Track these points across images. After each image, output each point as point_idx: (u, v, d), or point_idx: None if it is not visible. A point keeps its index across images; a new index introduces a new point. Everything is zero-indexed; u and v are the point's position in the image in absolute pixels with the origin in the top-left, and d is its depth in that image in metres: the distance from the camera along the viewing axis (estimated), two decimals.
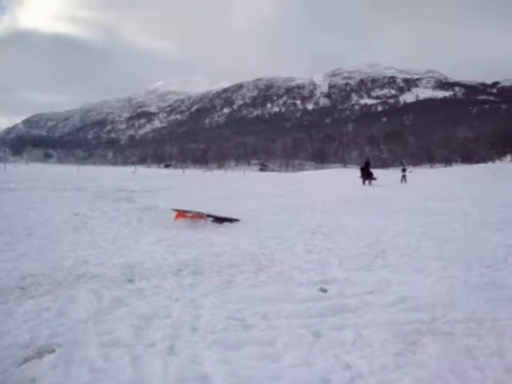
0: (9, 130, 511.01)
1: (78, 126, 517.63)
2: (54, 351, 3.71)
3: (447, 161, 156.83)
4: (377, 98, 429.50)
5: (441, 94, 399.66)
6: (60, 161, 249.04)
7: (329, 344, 3.95)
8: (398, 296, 5.23)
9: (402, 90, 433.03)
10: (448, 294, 5.38)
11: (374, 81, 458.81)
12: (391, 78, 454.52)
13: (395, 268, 6.78)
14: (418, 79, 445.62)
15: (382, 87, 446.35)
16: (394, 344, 3.94)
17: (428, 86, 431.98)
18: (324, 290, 5.49)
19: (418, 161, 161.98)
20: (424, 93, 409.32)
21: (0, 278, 5.70)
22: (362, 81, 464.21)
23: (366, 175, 36.08)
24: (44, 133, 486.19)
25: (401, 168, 49.27)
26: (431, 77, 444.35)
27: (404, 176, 44.64)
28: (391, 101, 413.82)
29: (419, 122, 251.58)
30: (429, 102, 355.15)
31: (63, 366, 3.48)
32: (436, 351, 3.81)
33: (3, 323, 4.26)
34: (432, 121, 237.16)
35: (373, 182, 35.40)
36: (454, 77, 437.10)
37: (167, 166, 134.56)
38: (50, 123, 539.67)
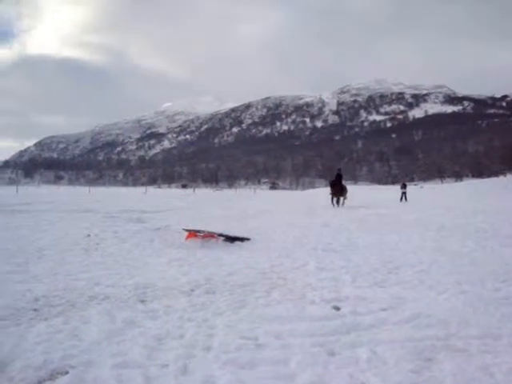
0: (21, 153, 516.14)
1: (88, 148, 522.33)
2: (67, 373, 3.70)
3: (458, 175, 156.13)
4: (385, 114, 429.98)
5: (450, 108, 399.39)
6: (71, 182, 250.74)
7: (343, 362, 3.91)
8: (412, 313, 5.17)
9: (410, 106, 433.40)
10: (462, 310, 5.32)
11: (382, 97, 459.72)
12: (399, 93, 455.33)
13: (408, 284, 6.72)
14: (426, 94, 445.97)
15: (390, 103, 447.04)
16: (410, 361, 3.90)
17: (437, 100, 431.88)
18: (337, 308, 5.45)
19: (428, 176, 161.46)
20: (433, 108, 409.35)
21: (13, 300, 5.71)
22: (370, 97, 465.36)
23: (338, 191, 27.48)
24: (55, 155, 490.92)
25: (400, 184, 43.08)
26: (440, 92, 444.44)
27: (404, 193, 38.95)
28: (400, 116, 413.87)
29: (429, 138, 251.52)
30: (438, 117, 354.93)
31: None
32: (452, 368, 3.76)
33: (17, 345, 4.25)
34: (441, 136, 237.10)
35: (346, 201, 27.97)
36: (462, 91, 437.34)
37: (184, 187, 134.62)
38: (61, 145, 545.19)
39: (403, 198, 38.66)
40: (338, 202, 27.33)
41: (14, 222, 16.50)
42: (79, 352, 4.10)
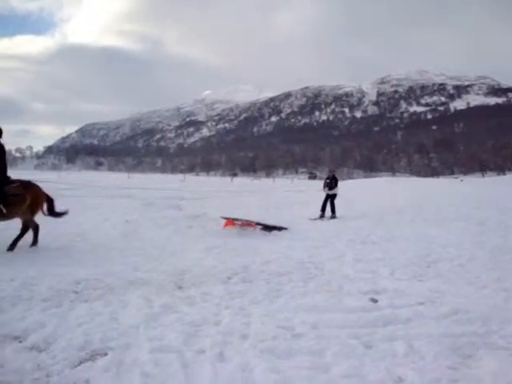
0: (63, 139, 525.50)
1: (128, 135, 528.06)
2: (106, 354, 3.78)
3: (500, 169, 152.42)
4: (426, 105, 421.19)
5: (493, 100, 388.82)
6: (111, 168, 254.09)
7: (380, 355, 3.86)
8: (450, 308, 5.07)
9: (452, 97, 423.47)
10: (504, 308, 5.18)
11: (423, 88, 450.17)
12: (441, 84, 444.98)
13: (447, 279, 6.61)
14: (469, 85, 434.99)
15: (431, 94, 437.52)
16: (447, 357, 3.82)
17: (480, 92, 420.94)
18: (375, 300, 5.40)
19: (468, 169, 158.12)
20: (475, 99, 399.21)
21: (56, 282, 5.85)
22: (411, 88, 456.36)
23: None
24: (96, 141, 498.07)
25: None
26: (483, 83, 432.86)
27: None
28: (441, 108, 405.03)
29: (470, 130, 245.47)
30: (480, 109, 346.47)
31: (115, 369, 3.53)
32: (492, 366, 3.65)
33: (59, 326, 4.37)
34: (484, 128, 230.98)
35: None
36: (507, 82, 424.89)
37: (234, 175, 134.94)
38: (101, 132, 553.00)
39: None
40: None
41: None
42: (118, 335, 4.18)
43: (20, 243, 8.36)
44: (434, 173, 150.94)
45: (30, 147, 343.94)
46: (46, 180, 20.22)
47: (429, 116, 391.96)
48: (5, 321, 4.51)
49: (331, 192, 16.75)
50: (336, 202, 16.27)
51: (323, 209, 16.14)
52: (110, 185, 34.55)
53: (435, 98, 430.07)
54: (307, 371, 3.59)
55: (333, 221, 14.07)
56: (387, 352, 3.94)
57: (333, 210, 16.21)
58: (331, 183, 16.93)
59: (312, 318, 4.72)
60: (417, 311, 5.00)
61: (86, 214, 13.78)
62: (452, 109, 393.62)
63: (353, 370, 3.60)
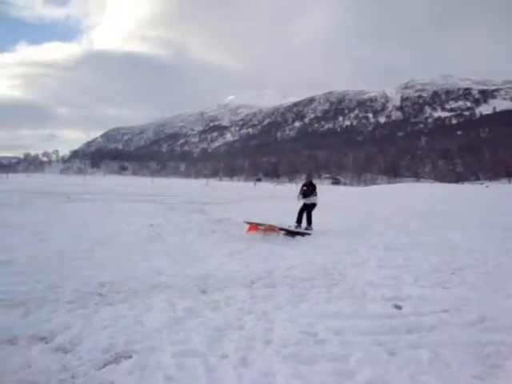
0: (89, 144, 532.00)
1: (152, 140, 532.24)
2: (130, 357, 3.82)
3: None
4: (451, 110, 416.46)
5: None
6: (135, 173, 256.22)
7: (404, 362, 3.82)
8: (476, 315, 4.99)
9: (478, 102, 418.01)
10: None
11: (448, 93, 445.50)
12: (466, 89, 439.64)
13: (472, 286, 6.49)
14: (495, 90, 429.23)
15: (456, 99, 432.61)
16: (473, 366, 3.76)
17: (506, 97, 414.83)
18: (399, 307, 5.35)
19: (494, 175, 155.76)
20: (502, 104, 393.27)
21: (81, 285, 5.93)
22: (435, 93, 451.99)
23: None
24: (120, 146, 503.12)
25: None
26: (510, 88, 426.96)
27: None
28: (466, 113, 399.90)
29: (497, 135, 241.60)
30: (507, 114, 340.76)
31: (139, 372, 3.58)
32: None
33: (84, 328, 4.45)
34: (511, 133, 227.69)
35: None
36: None
37: (258, 180, 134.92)
38: (126, 137, 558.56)
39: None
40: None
41: (82, 209, 17.09)
42: (142, 338, 4.22)
43: (45, 247, 8.54)
44: (458, 178, 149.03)
45: (57, 151, 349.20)
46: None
47: (454, 121, 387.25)
48: (32, 322, 4.61)
49: (308, 201, 14.07)
50: (361, 208, 15.58)
51: (299, 220, 13.64)
52: (134, 190, 34.81)
53: (460, 102, 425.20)
54: (331, 377, 3.58)
55: (354, 227, 13.79)
56: (411, 359, 3.89)
57: (309, 221, 13.65)
58: (307, 191, 14.22)
59: (335, 324, 4.70)
60: (442, 318, 4.93)
61: (109, 218, 13.94)
62: (478, 114, 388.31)
63: (377, 376, 3.58)
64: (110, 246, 9.31)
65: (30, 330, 4.37)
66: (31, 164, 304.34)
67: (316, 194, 14.29)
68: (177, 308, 5.17)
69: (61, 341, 4.13)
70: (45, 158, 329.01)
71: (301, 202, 14.19)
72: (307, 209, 14.02)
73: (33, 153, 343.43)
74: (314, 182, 15.10)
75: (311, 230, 13.17)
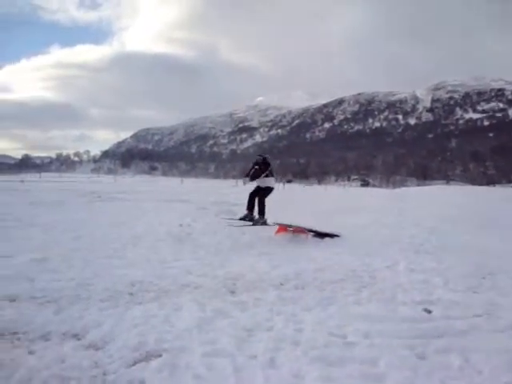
0: (119, 144, 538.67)
1: (181, 140, 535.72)
2: (160, 356, 3.87)
3: None
4: (483, 112, 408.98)
5: None
6: (164, 173, 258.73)
7: (434, 367, 3.78)
8: (508, 321, 4.91)
9: (511, 103, 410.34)
10: None
11: (479, 94, 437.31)
12: (499, 90, 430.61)
13: (505, 291, 6.38)
14: None
15: (488, 100, 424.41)
16: (506, 373, 3.70)
17: None
18: (428, 311, 5.29)
19: None
20: None
21: (112, 284, 6.02)
22: (467, 94, 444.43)
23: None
24: (150, 146, 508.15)
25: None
26: None
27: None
28: (499, 115, 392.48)
29: None
30: None
31: (169, 371, 3.62)
32: None
33: (115, 326, 4.53)
34: None
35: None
36: None
37: (289, 182, 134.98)
38: (155, 137, 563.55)
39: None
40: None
41: (113, 208, 17.32)
42: (172, 337, 4.27)
43: (78, 246, 8.71)
44: (490, 181, 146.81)
45: (88, 151, 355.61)
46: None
47: (485, 123, 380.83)
48: (64, 318, 4.70)
49: (263, 184, 12.23)
50: (391, 210, 15.14)
51: (249, 207, 12.21)
52: (164, 190, 35.04)
53: (493, 104, 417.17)
54: (359, 380, 3.56)
55: (384, 229, 13.65)
56: (441, 364, 3.85)
57: (261, 211, 12.11)
58: (258, 171, 12.15)
59: (364, 327, 4.67)
60: (473, 323, 4.86)
61: (140, 218, 14.08)
62: (511, 115, 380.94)
63: (406, 380, 3.55)
64: (141, 245, 9.42)
65: (62, 326, 4.46)
66: (63, 164, 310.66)
67: (271, 176, 12.47)
68: (206, 308, 5.21)
69: (92, 338, 4.21)
70: (76, 158, 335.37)
71: (252, 186, 12.50)
72: (260, 194, 12.54)
73: (65, 153, 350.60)
74: (269, 160, 12.96)
75: (264, 221, 12.27)
